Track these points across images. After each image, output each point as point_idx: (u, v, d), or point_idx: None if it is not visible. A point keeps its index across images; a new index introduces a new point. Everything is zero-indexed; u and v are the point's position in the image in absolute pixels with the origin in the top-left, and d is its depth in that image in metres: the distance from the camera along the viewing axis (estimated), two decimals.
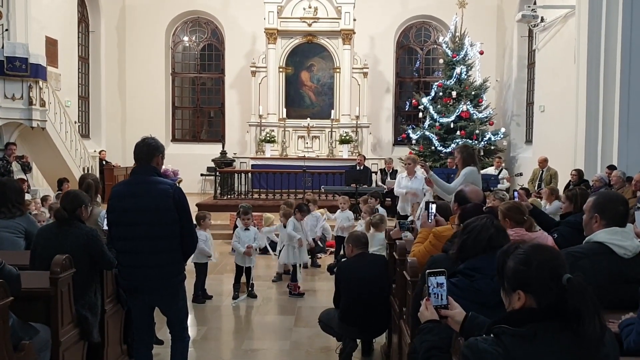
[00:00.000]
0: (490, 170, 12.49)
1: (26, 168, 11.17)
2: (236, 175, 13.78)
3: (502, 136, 14.95)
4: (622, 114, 10.09)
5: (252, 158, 15.44)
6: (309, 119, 15.49)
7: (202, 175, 16.37)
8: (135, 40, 17.26)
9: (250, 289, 6.73)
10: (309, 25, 15.36)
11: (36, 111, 11.17)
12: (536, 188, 11.12)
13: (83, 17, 15.75)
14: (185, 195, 3.67)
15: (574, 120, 11.07)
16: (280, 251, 7.27)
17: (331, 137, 15.57)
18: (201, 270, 6.53)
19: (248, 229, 6.83)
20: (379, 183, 12.70)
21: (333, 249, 8.75)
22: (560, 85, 12.30)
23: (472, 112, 14.48)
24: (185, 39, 18.03)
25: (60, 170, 11.83)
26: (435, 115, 14.65)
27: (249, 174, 13.93)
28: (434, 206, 4.12)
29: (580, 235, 3.15)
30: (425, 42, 17.84)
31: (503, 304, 1.87)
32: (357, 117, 15.56)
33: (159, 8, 17.13)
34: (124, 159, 16.16)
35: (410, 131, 15.32)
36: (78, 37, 15.23)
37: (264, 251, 8.54)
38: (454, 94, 14.58)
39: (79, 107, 15.33)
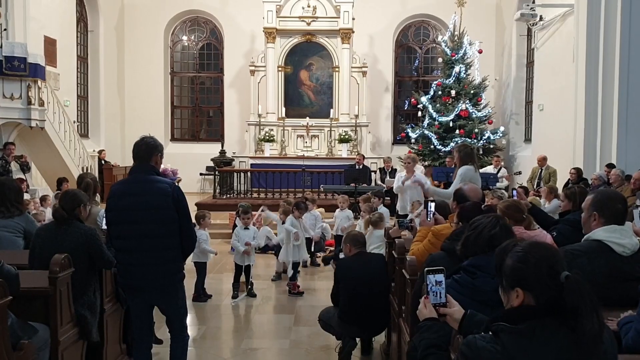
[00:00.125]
0: (489, 169, 12.51)
1: (25, 168, 11.17)
2: (235, 174, 13.78)
3: (501, 135, 14.96)
4: (620, 112, 10.10)
5: (251, 157, 15.44)
6: (308, 118, 15.50)
7: (201, 174, 16.36)
8: (134, 39, 17.25)
9: (249, 286, 6.74)
10: (308, 24, 15.36)
11: (35, 111, 11.17)
12: (535, 186, 11.14)
13: (82, 16, 15.74)
14: (184, 194, 3.67)
15: (572, 118, 11.08)
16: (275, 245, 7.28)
17: (330, 136, 15.57)
18: (201, 269, 6.54)
19: (247, 228, 6.85)
20: (378, 182, 12.70)
21: (332, 248, 8.76)
22: (559, 84, 12.30)
23: (471, 111, 14.48)
24: (184, 38, 18.02)
25: (59, 170, 11.82)
26: (434, 114, 14.65)
27: (248, 173, 13.93)
28: (432, 204, 4.13)
29: (579, 234, 3.15)
30: (424, 41, 17.85)
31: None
32: (356, 116, 15.56)
33: (158, 7, 17.13)
34: (123, 158, 16.16)
35: (409, 130, 15.32)
36: (77, 37, 15.22)
37: (263, 250, 8.57)
38: (453, 92, 14.58)
39: (77, 107, 15.33)
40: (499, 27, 16.81)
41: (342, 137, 15.41)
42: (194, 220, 4.57)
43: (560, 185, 9.91)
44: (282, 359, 4.90)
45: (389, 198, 11.39)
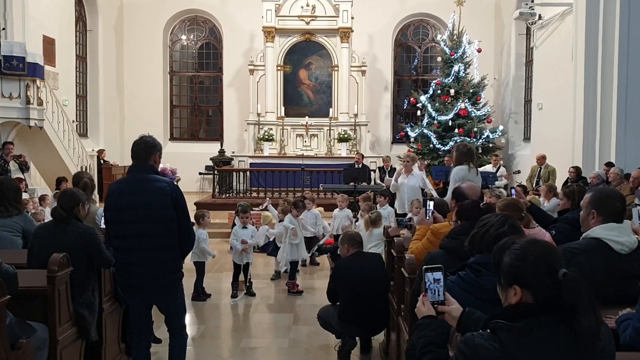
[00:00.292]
0: (488, 168, 12.51)
1: (24, 167, 11.17)
2: (234, 173, 13.79)
3: (500, 134, 14.97)
4: (619, 111, 10.10)
5: (250, 156, 15.45)
6: (307, 117, 15.50)
7: (200, 173, 16.37)
8: (133, 39, 17.24)
9: (248, 285, 6.75)
10: (307, 23, 15.36)
11: (34, 110, 11.15)
12: (534, 185, 11.15)
13: (81, 16, 15.73)
14: (182, 193, 3.67)
15: (571, 117, 11.08)
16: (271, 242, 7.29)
17: (329, 135, 15.58)
18: (201, 268, 6.54)
19: (246, 227, 6.84)
20: (378, 181, 12.70)
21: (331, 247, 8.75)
22: (558, 83, 12.30)
23: (470, 109, 14.49)
24: (183, 37, 18.01)
25: (58, 170, 11.80)
26: (434, 113, 14.66)
27: (248, 173, 13.93)
28: (431, 203, 4.13)
29: (578, 232, 3.15)
30: (423, 40, 17.85)
31: None
32: (356, 115, 15.56)
33: (157, 7, 17.12)
34: (122, 157, 16.13)
35: (408, 129, 15.33)
36: (76, 36, 15.21)
37: (262, 249, 8.56)
38: (452, 91, 14.59)
39: (76, 106, 15.33)
40: (498, 26, 16.81)
41: (341, 136, 15.41)
42: (193, 220, 4.56)
43: (559, 183, 9.92)
44: (282, 358, 4.89)
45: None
